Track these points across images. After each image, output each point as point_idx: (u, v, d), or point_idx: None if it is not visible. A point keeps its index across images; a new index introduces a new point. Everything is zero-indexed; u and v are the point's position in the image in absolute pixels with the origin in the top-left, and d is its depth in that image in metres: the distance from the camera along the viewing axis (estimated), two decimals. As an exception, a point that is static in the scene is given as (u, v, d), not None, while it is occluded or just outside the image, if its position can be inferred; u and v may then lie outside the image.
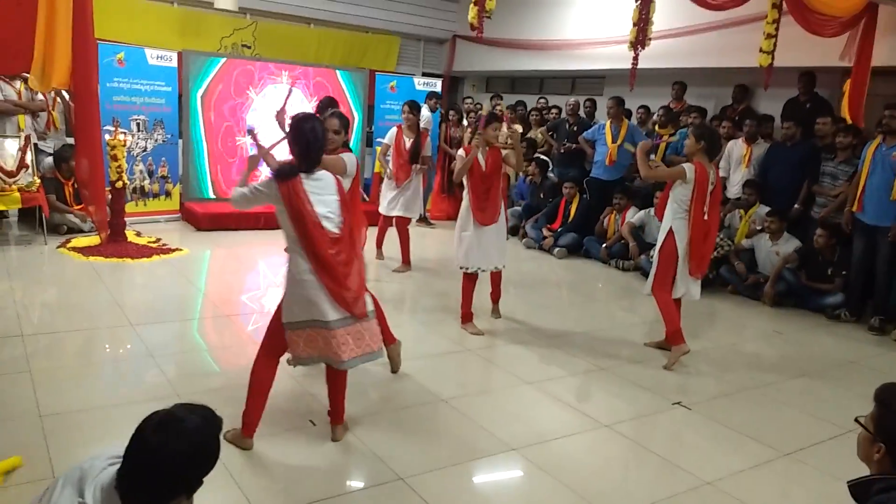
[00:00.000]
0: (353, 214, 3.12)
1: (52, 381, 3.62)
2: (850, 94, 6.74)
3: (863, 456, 1.81)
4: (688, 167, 4.45)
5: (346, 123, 3.91)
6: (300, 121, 3.03)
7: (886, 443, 1.72)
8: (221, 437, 1.66)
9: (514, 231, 8.66)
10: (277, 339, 3.07)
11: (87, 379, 3.79)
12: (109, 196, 6.54)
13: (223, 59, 8.43)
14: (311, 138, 2.97)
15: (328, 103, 5.79)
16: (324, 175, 3.03)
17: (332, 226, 2.95)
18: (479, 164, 4.79)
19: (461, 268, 4.95)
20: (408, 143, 6.76)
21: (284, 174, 2.92)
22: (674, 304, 4.62)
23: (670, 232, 4.52)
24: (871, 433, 1.77)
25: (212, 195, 8.43)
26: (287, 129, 3.11)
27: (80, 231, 6.97)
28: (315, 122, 3.07)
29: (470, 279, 4.96)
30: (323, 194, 2.96)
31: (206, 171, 8.38)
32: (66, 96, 7.08)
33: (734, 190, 7.09)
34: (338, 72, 9.20)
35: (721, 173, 7.21)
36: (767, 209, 6.57)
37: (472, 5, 4.99)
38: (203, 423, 1.57)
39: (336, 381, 3.20)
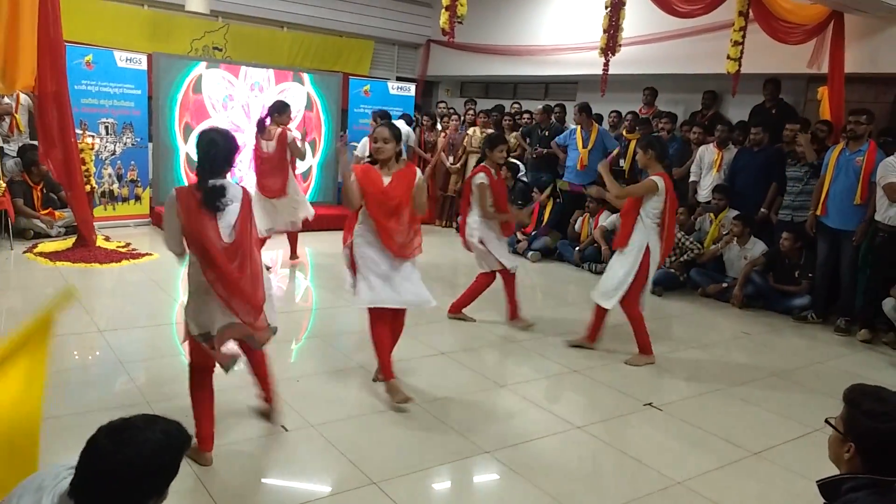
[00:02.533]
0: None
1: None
2: (830, 100, 6.89)
3: (833, 456, 1.84)
4: (657, 179, 4.49)
5: (397, 133, 3.73)
6: (202, 132, 2.97)
7: (856, 442, 1.75)
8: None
9: (487, 235, 8.71)
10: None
11: (54, 387, 3.67)
12: (77, 200, 6.43)
13: (200, 63, 8.34)
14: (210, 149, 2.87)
15: (280, 106, 6.01)
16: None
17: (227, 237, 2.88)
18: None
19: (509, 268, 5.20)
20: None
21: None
22: (642, 316, 4.73)
23: (647, 249, 4.53)
24: (840, 433, 1.80)
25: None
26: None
27: (47, 236, 6.84)
28: (216, 133, 2.94)
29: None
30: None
31: (181, 175, 8.29)
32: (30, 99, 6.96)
33: (704, 194, 7.20)
34: (306, 76, 9.14)
35: (692, 177, 7.34)
36: (736, 213, 6.68)
37: (443, 11, 5.01)
38: (162, 437, 1.51)
39: (257, 363, 3.28)
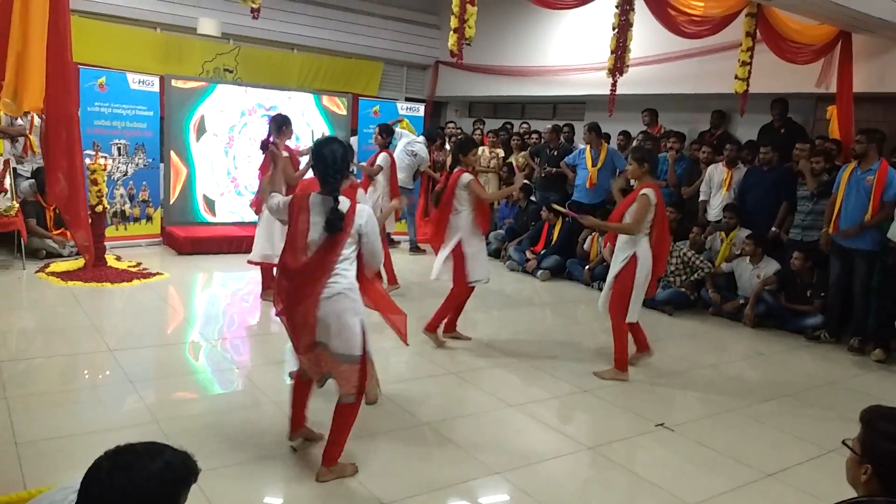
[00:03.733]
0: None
1: (29, 408, 3.56)
2: (839, 119, 6.89)
3: (851, 479, 1.81)
4: (649, 192, 4.49)
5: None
6: (321, 144, 3.06)
7: (873, 464, 1.72)
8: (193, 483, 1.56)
9: (496, 254, 8.72)
10: None
11: (64, 406, 3.73)
12: (90, 220, 6.48)
13: (217, 86, 8.46)
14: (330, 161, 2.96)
15: (281, 120, 5.84)
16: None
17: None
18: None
19: (474, 282, 5.06)
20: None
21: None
22: (626, 332, 4.71)
23: (633, 258, 4.51)
24: (858, 455, 1.78)
25: (205, 218, 8.45)
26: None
27: (59, 255, 6.89)
28: (336, 143, 3.05)
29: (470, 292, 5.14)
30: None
31: (195, 196, 8.38)
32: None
33: (714, 213, 7.19)
34: (312, 97, 9.24)
35: (702, 196, 7.33)
36: (748, 232, 6.66)
37: (451, 32, 5.05)
38: (163, 468, 1.45)
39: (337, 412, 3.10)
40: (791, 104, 7.61)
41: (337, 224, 2.87)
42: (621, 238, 4.62)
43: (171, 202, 8.18)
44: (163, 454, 1.49)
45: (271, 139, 5.54)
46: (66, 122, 5.70)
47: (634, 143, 8.51)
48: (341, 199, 2.93)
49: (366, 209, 3.02)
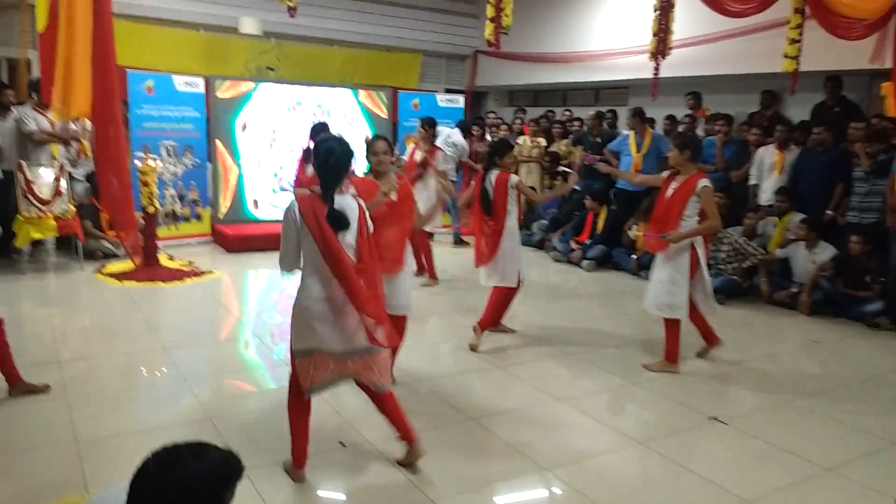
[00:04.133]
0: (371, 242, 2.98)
1: (88, 406, 3.68)
2: (895, 96, 6.60)
3: None
4: (709, 183, 4.39)
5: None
6: (319, 141, 2.96)
7: None
8: (239, 480, 1.57)
9: (540, 244, 8.64)
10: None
11: (122, 403, 3.85)
12: (142, 221, 6.67)
13: (259, 85, 8.61)
14: (328, 158, 2.84)
15: (320, 128, 5.91)
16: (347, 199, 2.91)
17: (351, 253, 2.85)
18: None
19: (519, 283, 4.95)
20: (418, 157, 6.88)
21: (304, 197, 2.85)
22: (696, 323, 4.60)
23: (693, 249, 4.45)
24: None
25: (254, 216, 8.64)
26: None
27: (115, 256, 7.11)
28: (332, 141, 2.91)
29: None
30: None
31: (244, 194, 8.57)
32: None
33: (766, 197, 6.98)
34: (352, 92, 9.30)
35: (752, 180, 7.13)
36: (802, 216, 6.45)
37: (488, 22, 5.00)
38: (208, 468, 1.48)
39: (385, 404, 3.11)
40: (845, 82, 7.32)
41: (342, 222, 2.81)
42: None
43: (224, 201, 8.38)
44: (207, 453, 1.52)
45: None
46: (114, 126, 5.85)
47: (680, 128, 8.33)
48: (340, 195, 2.85)
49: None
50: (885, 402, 4.28)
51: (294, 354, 2.95)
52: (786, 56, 6.62)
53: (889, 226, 5.77)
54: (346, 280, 2.80)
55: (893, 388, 4.52)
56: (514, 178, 4.86)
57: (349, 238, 2.86)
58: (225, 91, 8.33)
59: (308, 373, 2.91)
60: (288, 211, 2.86)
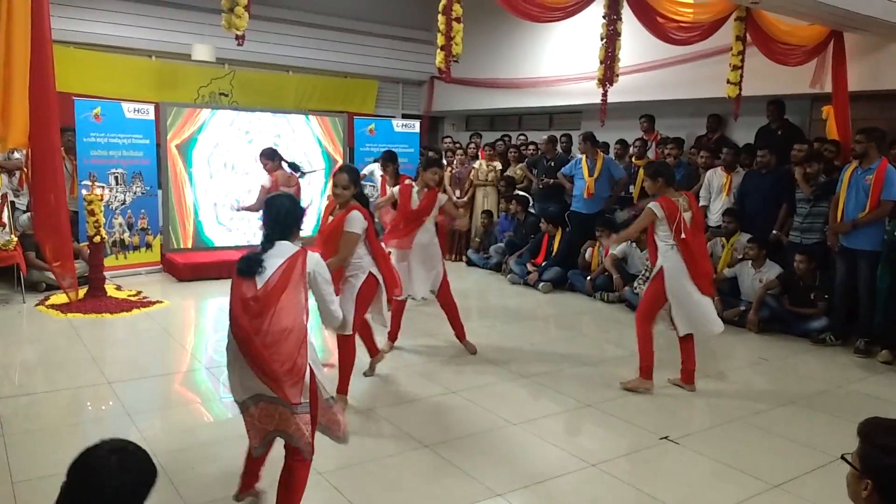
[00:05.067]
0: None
1: (27, 444, 3.54)
2: (836, 119, 6.86)
3: (851, 495, 1.76)
4: (654, 206, 4.49)
5: (355, 178, 4.01)
6: (272, 197, 2.91)
7: (873, 479, 1.67)
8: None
9: (497, 267, 8.69)
10: None
11: (63, 440, 3.70)
12: (87, 251, 6.49)
13: (214, 112, 8.53)
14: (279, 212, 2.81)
15: (270, 153, 5.95)
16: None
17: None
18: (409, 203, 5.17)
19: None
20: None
21: None
22: (651, 339, 4.67)
23: (660, 271, 4.56)
24: (857, 470, 1.73)
25: (212, 242, 8.53)
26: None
27: (59, 288, 6.88)
28: (286, 198, 2.91)
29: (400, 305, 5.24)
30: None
31: (200, 222, 8.45)
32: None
33: (714, 218, 7.14)
34: (304, 118, 9.26)
35: (702, 202, 7.28)
36: (749, 237, 6.61)
37: (438, 50, 5.06)
38: (147, 457, 1.65)
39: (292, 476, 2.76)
40: (787, 105, 7.58)
41: (247, 270, 2.67)
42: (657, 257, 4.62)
43: (176, 227, 8.25)
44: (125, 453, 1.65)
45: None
46: (51, 156, 5.63)
47: (631, 150, 8.51)
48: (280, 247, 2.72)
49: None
50: (831, 417, 4.37)
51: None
52: (728, 82, 6.83)
53: (830, 245, 5.95)
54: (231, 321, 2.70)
55: (840, 404, 4.62)
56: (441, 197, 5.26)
57: (261, 279, 2.66)
58: (182, 126, 8.20)
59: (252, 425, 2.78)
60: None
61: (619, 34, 6.01)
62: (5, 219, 6.47)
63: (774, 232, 6.66)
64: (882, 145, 5.68)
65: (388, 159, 6.86)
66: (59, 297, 6.53)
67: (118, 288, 7.00)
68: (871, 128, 5.75)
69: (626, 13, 6.13)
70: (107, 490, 1.56)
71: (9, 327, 5.84)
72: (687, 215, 4.51)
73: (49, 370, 4.82)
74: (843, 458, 1.80)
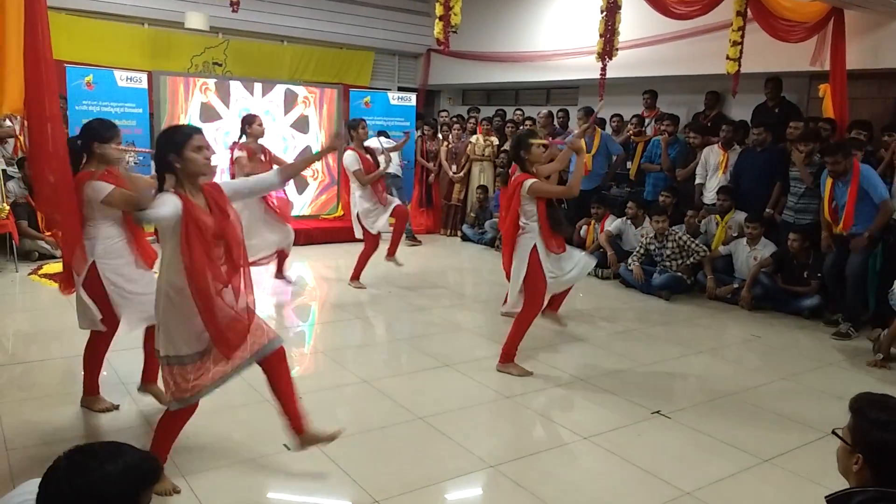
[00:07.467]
0: None
1: (21, 413, 3.55)
2: (833, 97, 6.81)
3: (842, 469, 1.79)
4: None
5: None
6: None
7: (864, 453, 1.70)
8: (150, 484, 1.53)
9: (492, 242, 8.68)
10: None
11: (57, 409, 3.71)
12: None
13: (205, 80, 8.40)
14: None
15: (250, 118, 5.85)
16: None
17: None
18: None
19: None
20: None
21: None
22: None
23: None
24: (848, 444, 1.75)
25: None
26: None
27: (52, 257, 6.85)
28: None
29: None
30: None
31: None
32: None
33: (710, 196, 7.14)
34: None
35: (698, 179, 7.28)
36: (744, 214, 6.61)
37: (437, 21, 4.99)
38: (122, 469, 1.44)
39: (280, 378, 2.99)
40: (785, 83, 7.54)
41: None
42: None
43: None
44: (122, 454, 1.48)
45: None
46: (52, 122, 5.58)
47: (630, 128, 8.46)
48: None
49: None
50: (821, 394, 4.41)
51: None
52: (728, 58, 6.78)
53: (824, 251, 5.88)
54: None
55: (830, 380, 4.67)
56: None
57: None
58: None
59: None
60: None
61: (619, 7, 5.94)
62: (-3, 187, 6.41)
63: (768, 210, 6.66)
64: (861, 145, 5.68)
65: (350, 126, 6.51)
66: (53, 267, 6.50)
67: (111, 258, 6.95)
68: (839, 143, 5.68)
69: (627, -15, 6.07)
70: (62, 500, 1.43)
71: (2, 296, 5.82)
72: None
73: (43, 339, 4.81)
74: (834, 432, 1.82)
